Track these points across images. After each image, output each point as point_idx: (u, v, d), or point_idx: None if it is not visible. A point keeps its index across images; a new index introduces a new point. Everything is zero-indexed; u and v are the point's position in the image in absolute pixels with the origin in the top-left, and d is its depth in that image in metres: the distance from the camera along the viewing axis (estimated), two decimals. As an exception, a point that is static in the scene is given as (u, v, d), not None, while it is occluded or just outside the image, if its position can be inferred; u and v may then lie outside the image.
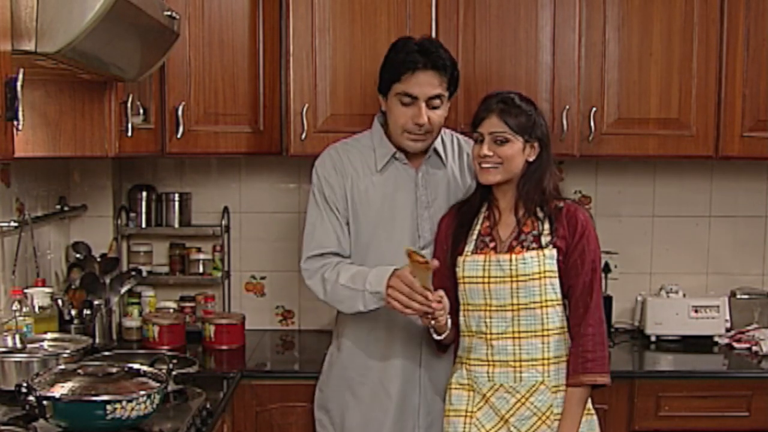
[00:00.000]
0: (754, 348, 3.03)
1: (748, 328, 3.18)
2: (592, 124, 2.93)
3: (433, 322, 2.22)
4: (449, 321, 2.29)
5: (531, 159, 2.27)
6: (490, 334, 2.27)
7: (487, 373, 2.28)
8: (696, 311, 3.13)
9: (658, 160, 3.26)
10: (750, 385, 2.80)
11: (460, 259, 2.31)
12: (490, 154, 2.23)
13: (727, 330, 3.17)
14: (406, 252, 2.15)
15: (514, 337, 2.25)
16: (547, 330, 2.25)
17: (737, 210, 3.40)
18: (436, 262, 2.19)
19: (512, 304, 2.25)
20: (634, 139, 2.97)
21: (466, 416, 2.31)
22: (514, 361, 2.26)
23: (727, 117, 2.97)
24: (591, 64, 2.94)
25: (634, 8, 2.94)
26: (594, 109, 2.93)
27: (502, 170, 2.25)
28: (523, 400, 2.25)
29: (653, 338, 3.15)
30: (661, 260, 3.40)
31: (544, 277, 2.23)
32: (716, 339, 3.14)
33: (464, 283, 2.30)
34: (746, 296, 3.29)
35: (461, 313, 2.34)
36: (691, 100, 2.96)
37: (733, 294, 3.30)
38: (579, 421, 2.24)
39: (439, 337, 2.33)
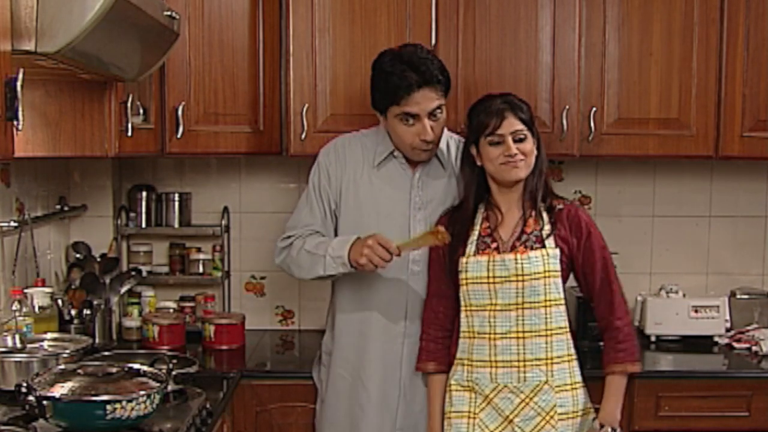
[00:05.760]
0: (754, 348, 3.03)
1: (748, 328, 3.18)
2: (592, 124, 2.92)
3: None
4: None
5: (535, 155, 2.31)
6: (494, 334, 2.27)
7: (490, 374, 2.29)
8: (696, 311, 3.12)
9: (658, 160, 3.26)
10: (750, 385, 2.80)
11: (463, 260, 2.32)
12: (517, 152, 2.26)
13: (727, 330, 3.17)
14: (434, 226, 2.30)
15: (518, 337, 2.26)
16: (551, 329, 2.26)
17: (737, 210, 3.40)
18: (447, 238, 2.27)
19: (517, 304, 2.26)
20: (634, 139, 2.97)
21: (469, 417, 2.32)
22: (518, 360, 2.26)
23: (727, 117, 2.97)
24: (591, 64, 2.94)
25: (634, 8, 2.93)
26: (594, 109, 2.93)
27: (526, 166, 2.28)
28: (527, 400, 2.26)
29: (653, 338, 3.15)
30: (661, 260, 3.40)
31: (548, 276, 2.25)
32: (716, 339, 3.14)
33: (467, 283, 2.31)
34: (746, 296, 3.29)
35: (462, 314, 2.34)
36: (691, 100, 2.96)
37: (733, 294, 3.30)
38: (620, 404, 2.31)
39: None
